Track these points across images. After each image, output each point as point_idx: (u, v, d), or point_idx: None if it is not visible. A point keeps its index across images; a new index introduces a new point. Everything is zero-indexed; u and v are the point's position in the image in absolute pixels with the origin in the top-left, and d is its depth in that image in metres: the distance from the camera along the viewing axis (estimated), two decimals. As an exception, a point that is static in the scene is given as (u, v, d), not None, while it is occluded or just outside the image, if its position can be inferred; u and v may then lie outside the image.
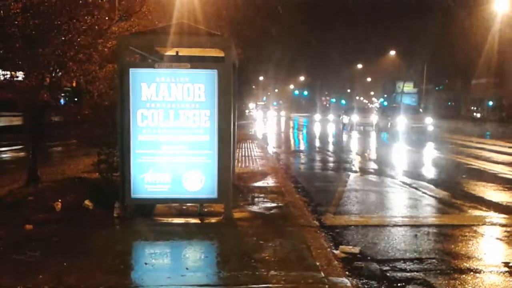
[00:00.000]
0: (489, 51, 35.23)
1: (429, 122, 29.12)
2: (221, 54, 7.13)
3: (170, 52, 8.33)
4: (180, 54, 8.20)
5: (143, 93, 6.64)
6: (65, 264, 5.00)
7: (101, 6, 8.25)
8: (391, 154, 18.98)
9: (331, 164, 15.75)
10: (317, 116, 58.49)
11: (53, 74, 8.38)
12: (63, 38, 7.87)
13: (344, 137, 29.54)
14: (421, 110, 35.37)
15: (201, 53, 8.39)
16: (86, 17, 8.04)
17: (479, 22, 33.60)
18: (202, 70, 6.77)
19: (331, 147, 22.51)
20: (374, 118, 36.29)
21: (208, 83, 6.68)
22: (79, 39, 7.96)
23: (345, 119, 38.54)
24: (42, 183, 8.96)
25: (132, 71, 6.64)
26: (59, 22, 7.72)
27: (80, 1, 7.88)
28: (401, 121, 28.64)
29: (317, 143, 25.15)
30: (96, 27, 8.20)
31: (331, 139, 27.99)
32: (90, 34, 8.11)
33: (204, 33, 7.25)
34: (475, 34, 34.68)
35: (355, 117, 36.59)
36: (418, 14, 44.08)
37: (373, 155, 19.02)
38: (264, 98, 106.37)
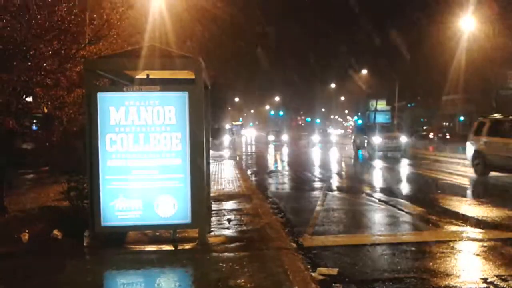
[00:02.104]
0: (457, 68, 36.05)
1: None
2: (193, 76, 7.02)
3: (141, 75, 8.19)
4: (151, 76, 8.07)
5: (111, 117, 6.45)
6: (31, 299, 4.75)
7: (68, 30, 8.04)
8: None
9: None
10: (316, 138, 51.31)
11: (19, 101, 8.12)
12: (29, 64, 7.64)
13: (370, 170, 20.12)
14: None
15: (172, 76, 8.26)
16: (53, 42, 7.84)
17: (448, 39, 34.49)
18: (172, 93, 6.63)
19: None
20: (403, 139, 27.23)
21: (179, 105, 6.54)
22: (45, 64, 7.75)
23: (361, 141, 28.70)
24: (9, 213, 8.60)
25: (100, 95, 6.45)
26: (24, 47, 7.51)
27: (46, 25, 7.67)
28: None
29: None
30: (63, 51, 8.01)
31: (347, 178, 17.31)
32: (57, 58, 7.90)
33: (174, 55, 7.14)
34: (444, 51, 35.54)
35: (377, 139, 26.20)
36: (389, 33, 44.88)
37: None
38: (241, 119, 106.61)
